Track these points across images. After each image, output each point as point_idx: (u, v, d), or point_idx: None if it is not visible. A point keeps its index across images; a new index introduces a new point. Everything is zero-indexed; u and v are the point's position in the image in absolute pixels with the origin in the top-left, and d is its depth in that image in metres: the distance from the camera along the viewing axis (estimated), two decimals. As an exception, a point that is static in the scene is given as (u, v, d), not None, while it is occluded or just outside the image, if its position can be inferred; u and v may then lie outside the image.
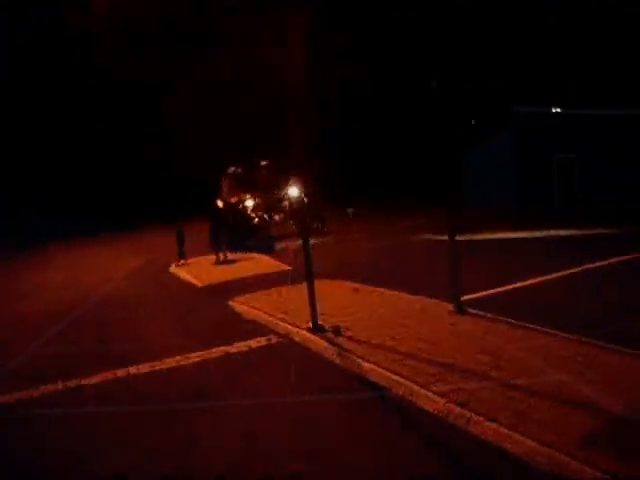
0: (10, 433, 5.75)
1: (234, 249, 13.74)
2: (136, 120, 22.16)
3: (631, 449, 3.93)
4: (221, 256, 13.07)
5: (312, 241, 13.57)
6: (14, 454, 5.31)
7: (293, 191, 15.55)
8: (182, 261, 13.62)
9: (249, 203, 14.82)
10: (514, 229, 15.01)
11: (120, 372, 7.04)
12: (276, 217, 14.98)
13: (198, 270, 12.60)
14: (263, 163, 15.85)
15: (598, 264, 9.40)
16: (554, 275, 8.95)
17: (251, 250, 13.92)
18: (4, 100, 21.09)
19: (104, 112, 22.36)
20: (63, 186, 21.96)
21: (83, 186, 22.17)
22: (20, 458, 5.21)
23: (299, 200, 15.29)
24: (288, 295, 9.29)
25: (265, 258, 12.97)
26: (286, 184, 15.70)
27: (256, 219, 14.66)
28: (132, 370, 7.07)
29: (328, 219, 15.42)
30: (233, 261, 12.98)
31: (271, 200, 14.92)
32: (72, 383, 6.83)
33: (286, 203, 15.46)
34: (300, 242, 11.38)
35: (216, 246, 13.20)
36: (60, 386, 6.79)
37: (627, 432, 4.16)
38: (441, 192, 7.40)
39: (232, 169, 15.25)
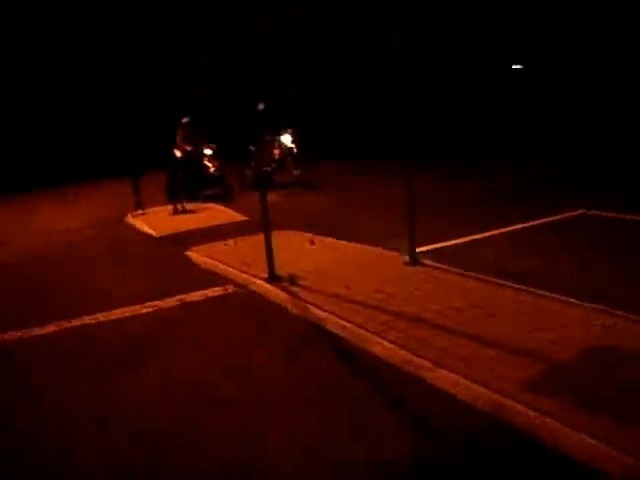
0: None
1: (192, 199, 13.55)
2: (97, 69, 21.33)
3: (558, 391, 4.09)
4: (179, 206, 12.95)
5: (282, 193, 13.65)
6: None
7: (286, 138, 15.07)
8: (139, 211, 13.46)
9: (207, 152, 14.41)
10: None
11: (75, 321, 7.03)
12: (247, 171, 14.60)
13: (155, 220, 12.49)
14: (260, 105, 15.24)
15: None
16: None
17: (209, 201, 13.75)
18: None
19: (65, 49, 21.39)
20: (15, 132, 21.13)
21: (35, 134, 21.39)
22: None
23: (286, 148, 14.83)
24: (245, 245, 9.30)
25: (223, 208, 12.88)
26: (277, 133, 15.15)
27: (212, 168, 14.29)
28: (87, 319, 7.06)
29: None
30: (191, 211, 12.88)
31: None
32: (27, 333, 6.82)
33: (276, 151, 15.10)
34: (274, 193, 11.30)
35: (173, 196, 13.07)
36: (18, 334, 6.78)
37: (567, 376, 4.33)
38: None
39: (186, 119, 14.89)
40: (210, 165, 14.17)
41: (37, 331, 6.83)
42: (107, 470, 4.05)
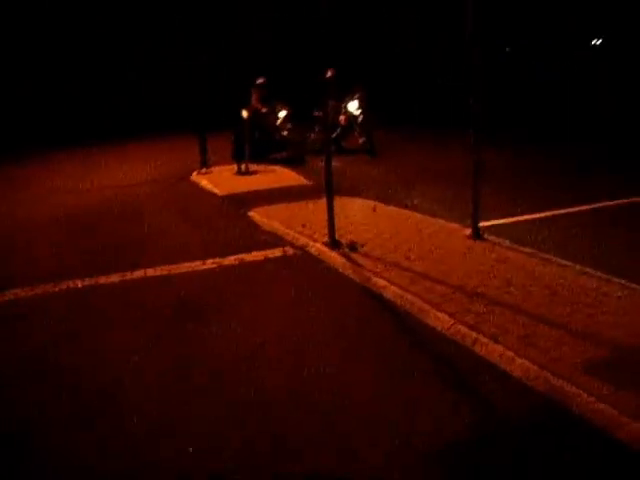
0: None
1: (257, 160, 13.57)
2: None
3: (629, 378, 4.00)
4: (243, 167, 13.04)
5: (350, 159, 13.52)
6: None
7: (352, 105, 14.93)
8: (204, 169, 13.62)
9: (282, 114, 14.21)
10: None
11: (138, 273, 7.22)
12: (312, 135, 14.47)
13: (219, 179, 12.62)
14: (329, 72, 14.81)
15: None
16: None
17: (277, 163, 13.72)
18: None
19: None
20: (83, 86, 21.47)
21: (103, 89, 21.72)
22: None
23: (352, 115, 14.69)
24: (307, 209, 9.32)
25: (288, 171, 12.91)
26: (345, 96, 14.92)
27: (285, 132, 14.17)
28: (149, 272, 7.24)
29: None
30: (255, 172, 12.95)
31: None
32: (91, 281, 7.05)
33: (342, 117, 14.97)
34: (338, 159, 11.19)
35: (239, 156, 13.14)
36: (79, 284, 7.00)
37: (628, 361, 4.23)
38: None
39: (261, 80, 14.84)
40: (283, 128, 14.12)
41: (102, 280, 7.05)
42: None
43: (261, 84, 14.61)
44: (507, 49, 19.31)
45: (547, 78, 18.03)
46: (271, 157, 14.03)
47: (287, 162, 13.61)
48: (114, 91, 21.67)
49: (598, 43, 17.97)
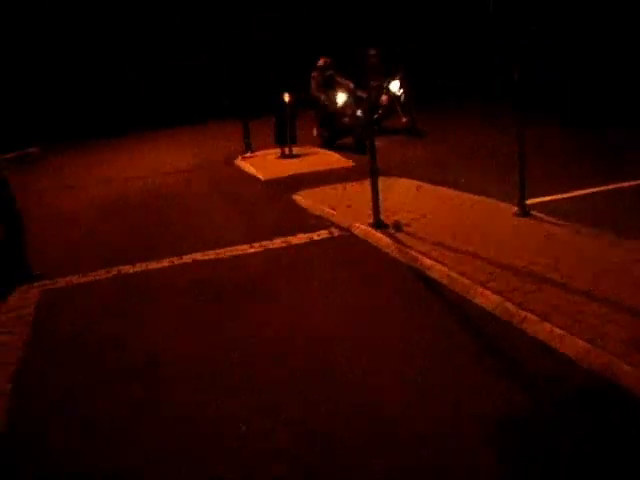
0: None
1: (327, 147, 13.31)
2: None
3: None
4: (286, 150, 13.11)
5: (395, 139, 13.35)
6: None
7: (394, 85, 14.61)
8: (249, 153, 13.74)
9: (340, 98, 13.13)
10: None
11: (186, 258, 7.37)
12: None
13: (263, 163, 12.72)
14: (372, 52, 14.08)
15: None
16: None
17: (341, 150, 13.36)
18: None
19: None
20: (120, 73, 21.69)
21: (147, 76, 21.92)
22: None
23: (394, 95, 14.31)
24: (352, 190, 9.35)
25: (331, 153, 12.92)
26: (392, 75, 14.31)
27: (346, 118, 13.07)
28: (198, 256, 7.38)
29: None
30: (298, 155, 13.01)
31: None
32: (142, 266, 7.24)
33: (384, 97, 14.34)
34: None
35: (281, 140, 13.20)
36: (131, 269, 7.20)
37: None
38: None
39: (321, 61, 13.65)
40: (344, 113, 13.20)
41: (153, 265, 7.23)
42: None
43: (322, 66, 13.69)
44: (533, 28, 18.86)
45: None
46: (337, 144, 13.60)
47: (351, 150, 12.89)
48: (156, 83, 21.86)
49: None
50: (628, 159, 9.91)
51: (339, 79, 13.49)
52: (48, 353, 5.33)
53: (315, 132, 14.10)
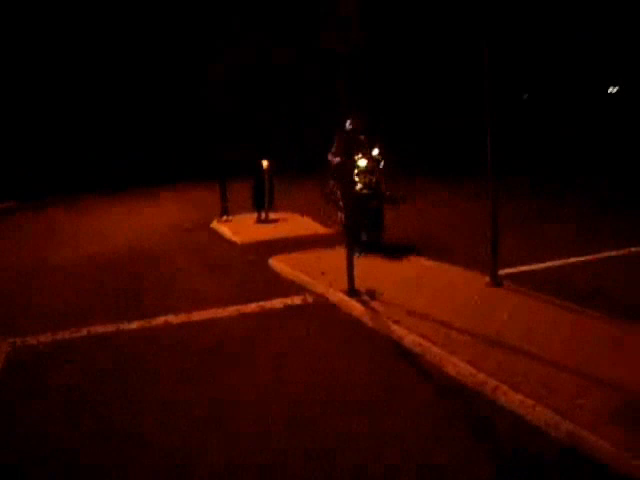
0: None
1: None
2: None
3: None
4: (262, 215, 13.22)
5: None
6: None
7: (375, 152, 13.56)
8: (225, 217, 13.82)
9: (362, 163, 10.40)
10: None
11: (158, 320, 7.30)
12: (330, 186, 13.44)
13: (239, 228, 12.78)
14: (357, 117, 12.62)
15: None
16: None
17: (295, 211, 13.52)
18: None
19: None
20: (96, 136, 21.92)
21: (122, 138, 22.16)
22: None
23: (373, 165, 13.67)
24: (326, 257, 9.40)
25: (307, 220, 13.05)
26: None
27: (360, 186, 10.06)
28: (170, 319, 7.31)
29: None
30: (275, 220, 13.12)
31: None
32: (112, 327, 7.14)
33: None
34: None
35: (259, 205, 13.31)
36: (101, 329, 7.10)
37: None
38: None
39: (351, 124, 10.43)
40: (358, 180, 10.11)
41: (124, 326, 7.15)
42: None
43: (351, 130, 10.32)
44: (525, 96, 19.52)
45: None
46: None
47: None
48: (133, 144, 22.13)
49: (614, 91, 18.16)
50: (597, 229, 10.14)
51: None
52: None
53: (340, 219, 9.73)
